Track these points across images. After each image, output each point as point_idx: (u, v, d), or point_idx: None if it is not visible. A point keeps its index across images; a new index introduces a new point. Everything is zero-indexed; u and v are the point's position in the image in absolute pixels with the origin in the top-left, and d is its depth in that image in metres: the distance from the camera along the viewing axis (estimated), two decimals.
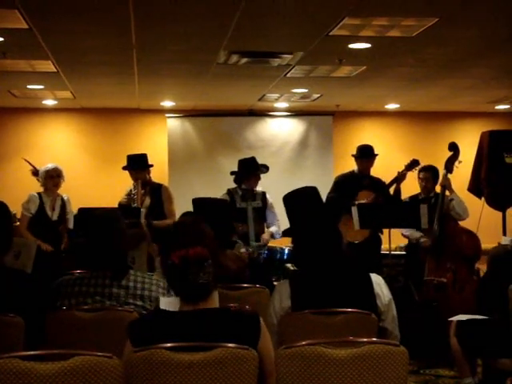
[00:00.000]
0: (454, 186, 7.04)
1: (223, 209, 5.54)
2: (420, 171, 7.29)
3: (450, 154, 7.06)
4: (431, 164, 7.32)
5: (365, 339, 2.90)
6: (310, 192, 4.08)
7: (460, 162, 6.98)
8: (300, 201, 3.91)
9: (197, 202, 5.45)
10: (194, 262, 2.83)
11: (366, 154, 7.73)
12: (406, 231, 7.14)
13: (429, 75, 8.56)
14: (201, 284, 2.85)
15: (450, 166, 6.98)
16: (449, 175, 6.96)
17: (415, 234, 7.03)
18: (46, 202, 7.23)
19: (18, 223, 7.21)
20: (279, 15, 5.89)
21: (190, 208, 5.24)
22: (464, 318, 5.05)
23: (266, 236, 7.20)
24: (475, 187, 8.19)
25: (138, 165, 7.39)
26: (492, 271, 5.40)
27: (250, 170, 7.31)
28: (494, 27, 6.29)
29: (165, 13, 5.79)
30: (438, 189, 7.23)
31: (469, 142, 10.81)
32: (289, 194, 3.98)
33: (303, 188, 4.50)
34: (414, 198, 7.30)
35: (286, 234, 4.10)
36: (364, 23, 6.13)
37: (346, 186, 7.63)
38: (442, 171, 7.04)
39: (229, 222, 5.99)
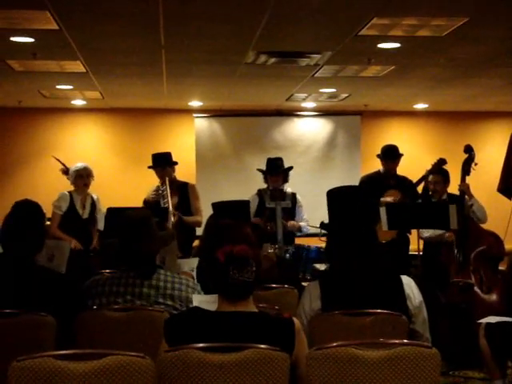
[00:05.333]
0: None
1: (244, 210, 5.55)
2: (430, 174, 7.29)
3: (466, 156, 7.06)
4: (444, 168, 7.33)
5: (397, 341, 2.89)
6: (355, 191, 4.10)
7: (476, 164, 6.99)
8: (343, 198, 3.92)
9: (216, 205, 5.46)
10: (239, 259, 2.85)
11: (390, 156, 7.73)
12: (427, 233, 7.10)
13: (458, 75, 8.51)
14: (243, 282, 2.86)
15: (467, 168, 6.99)
16: (467, 179, 6.98)
17: (436, 231, 7.00)
18: (77, 200, 7.32)
19: (49, 222, 7.29)
20: (308, 15, 5.88)
21: None
22: (493, 321, 5.01)
23: (293, 222, 7.26)
24: (505, 188, 8.12)
25: (164, 162, 7.44)
26: None
27: (268, 169, 7.47)
28: None
29: (194, 13, 5.81)
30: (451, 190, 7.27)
31: (498, 142, 10.78)
32: (334, 189, 4.01)
33: (349, 186, 4.53)
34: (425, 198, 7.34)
35: (323, 226, 4.12)
36: (393, 23, 6.10)
37: (371, 186, 7.62)
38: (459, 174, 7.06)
39: (253, 223, 6.00)
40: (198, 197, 7.51)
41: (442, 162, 7.42)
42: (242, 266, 2.86)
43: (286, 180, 7.49)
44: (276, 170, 7.43)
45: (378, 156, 7.84)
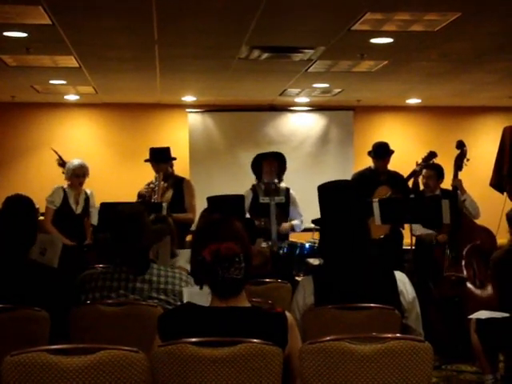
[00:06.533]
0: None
1: (239, 205, 5.54)
2: (424, 168, 7.31)
3: (458, 152, 7.09)
4: (438, 163, 7.36)
5: (389, 335, 2.89)
6: (346, 186, 4.07)
7: (468, 159, 7.03)
8: (335, 193, 3.91)
9: (212, 200, 5.45)
10: (226, 257, 2.84)
11: (380, 154, 7.76)
12: (419, 231, 7.12)
13: (451, 70, 8.52)
14: (231, 280, 2.86)
15: (459, 163, 7.02)
16: (460, 175, 7.01)
17: (430, 233, 7.02)
18: (70, 195, 7.32)
19: (42, 217, 7.28)
20: (301, 10, 5.88)
21: None
22: (483, 316, 5.04)
23: (285, 225, 7.23)
24: (497, 182, 8.17)
25: (160, 157, 7.43)
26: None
27: (262, 156, 7.43)
28: None
29: (187, 8, 5.80)
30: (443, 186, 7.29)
31: (491, 137, 10.81)
32: (325, 184, 3.99)
33: (340, 181, 4.52)
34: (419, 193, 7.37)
35: (315, 222, 4.12)
36: (386, 18, 6.11)
37: (362, 183, 7.62)
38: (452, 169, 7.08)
39: (246, 218, 5.97)
40: (192, 193, 7.49)
41: (432, 155, 7.45)
42: (230, 264, 2.85)
43: (282, 168, 7.36)
44: (269, 155, 7.37)
45: (369, 154, 7.86)
